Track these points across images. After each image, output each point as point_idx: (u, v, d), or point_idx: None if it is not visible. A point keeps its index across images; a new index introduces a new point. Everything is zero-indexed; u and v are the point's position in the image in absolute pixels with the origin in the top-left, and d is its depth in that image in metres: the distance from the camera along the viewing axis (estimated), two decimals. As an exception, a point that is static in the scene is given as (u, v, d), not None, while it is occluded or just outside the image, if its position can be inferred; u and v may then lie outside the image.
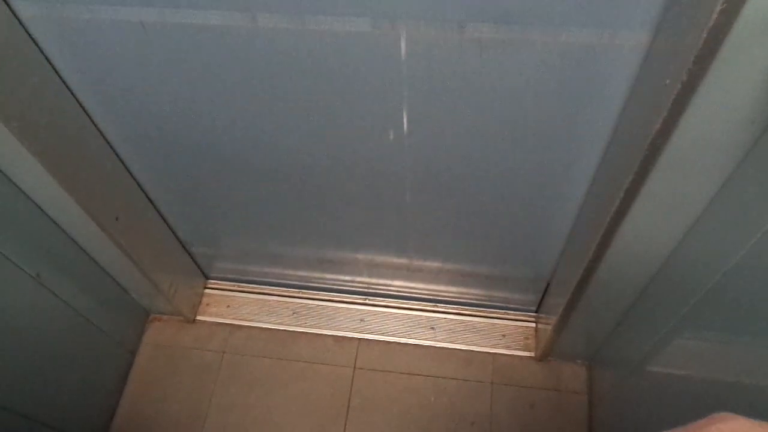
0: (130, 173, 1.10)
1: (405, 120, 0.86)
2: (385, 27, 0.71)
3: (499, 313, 1.43)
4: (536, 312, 1.42)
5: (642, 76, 0.70)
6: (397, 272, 1.34)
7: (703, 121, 0.62)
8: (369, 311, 1.47)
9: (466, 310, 1.44)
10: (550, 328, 1.20)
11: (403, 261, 1.28)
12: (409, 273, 1.33)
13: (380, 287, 1.42)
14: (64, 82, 0.88)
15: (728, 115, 0.62)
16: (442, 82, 0.77)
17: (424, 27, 0.70)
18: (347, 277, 1.40)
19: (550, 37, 0.68)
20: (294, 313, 1.48)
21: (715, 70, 0.56)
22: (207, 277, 1.54)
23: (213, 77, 0.84)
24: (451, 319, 1.44)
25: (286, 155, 0.98)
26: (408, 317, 1.45)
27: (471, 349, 1.40)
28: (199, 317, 1.49)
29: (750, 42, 0.54)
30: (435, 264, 1.27)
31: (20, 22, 0.78)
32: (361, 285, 1.43)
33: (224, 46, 0.77)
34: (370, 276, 1.38)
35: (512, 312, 1.43)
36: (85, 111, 0.94)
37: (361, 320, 1.46)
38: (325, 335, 1.45)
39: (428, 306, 1.46)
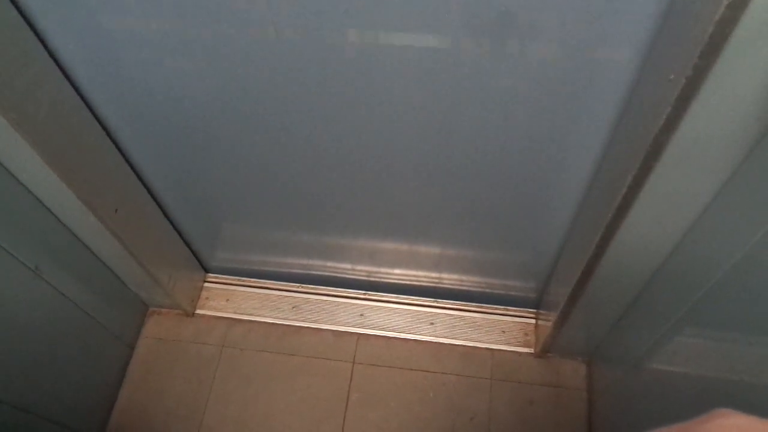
0: (130, 165, 1.09)
1: (408, 112, 0.86)
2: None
3: (499, 309, 1.43)
4: (536, 308, 1.42)
5: (646, 71, 0.69)
6: (398, 258, 1.33)
7: (707, 117, 0.62)
8: (369, 306, 1.47)
9: (466, 305, 1.44)
10: (550, 324, 1.20)
11: (404, 246, 1.27)
12: (411, 259, 1.32)
13: (381, 275, 1.41)
14: (63, 72, 0.87)
15: (733, 111, 0.61)
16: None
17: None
18: (348, 265, 1.40)
19: (553, 24, 0.68)
20: (294, 308, 1.48)
21: (721, 65, 0.55)
22: (206, 271, 1.54)
23: (212, 67, 0.83)
24: (451, 315, 1.44)
25: (286, 143, 0.98)
26: (408, 312, 1.45)
27: (471, 344, 1.40)
28: (198, 311, 1.49)
29: (757, 37, 0.53)
30: (436, 249, 1.26)
31: (18, 10, 0.77)
32: (361, 273, 1.42)
33: (224, 37, 0.77)
34: (371, 263, 1.37)
35: (512, 308, 1.42)
36: (85, 102, 0.93)
37: (361, 315, 1.45)
38: (325, 330, 1.45)
39: (428, 301, 1.45)
